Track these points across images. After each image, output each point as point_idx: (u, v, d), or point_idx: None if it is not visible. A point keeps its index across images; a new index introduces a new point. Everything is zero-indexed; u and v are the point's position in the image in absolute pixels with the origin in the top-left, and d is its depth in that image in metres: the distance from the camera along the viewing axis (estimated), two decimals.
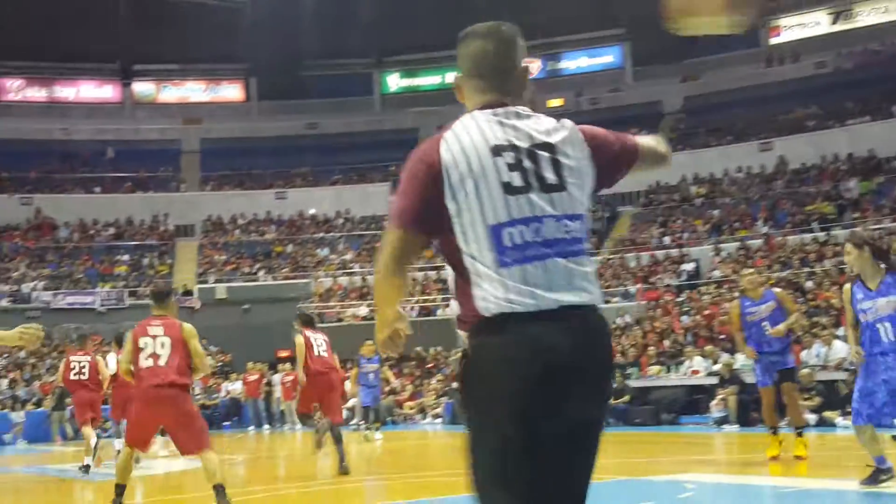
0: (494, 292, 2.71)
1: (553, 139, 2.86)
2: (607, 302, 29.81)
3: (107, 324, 34.33)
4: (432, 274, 34.64)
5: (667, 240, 33.45)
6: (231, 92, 48.96)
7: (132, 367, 8.30)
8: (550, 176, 2.80)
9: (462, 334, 2.83)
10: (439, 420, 24.50)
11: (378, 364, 19.82)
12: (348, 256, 37.58)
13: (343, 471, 12.23)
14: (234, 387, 28.40)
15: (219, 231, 40.55)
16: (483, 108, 2.90)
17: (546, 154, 2.82)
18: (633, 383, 20.98)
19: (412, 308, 32.42)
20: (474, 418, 2.77)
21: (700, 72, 44.44)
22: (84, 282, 35.97)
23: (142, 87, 48.31)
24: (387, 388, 22.83)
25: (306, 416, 14.07)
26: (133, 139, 44.99)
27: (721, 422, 17.74)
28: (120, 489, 8.53)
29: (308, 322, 13.34)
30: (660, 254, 32.18)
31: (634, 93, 45.04)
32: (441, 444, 19.89)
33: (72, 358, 14.53)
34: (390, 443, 19.26)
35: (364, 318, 32.10)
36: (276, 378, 27.30)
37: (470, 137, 2.80)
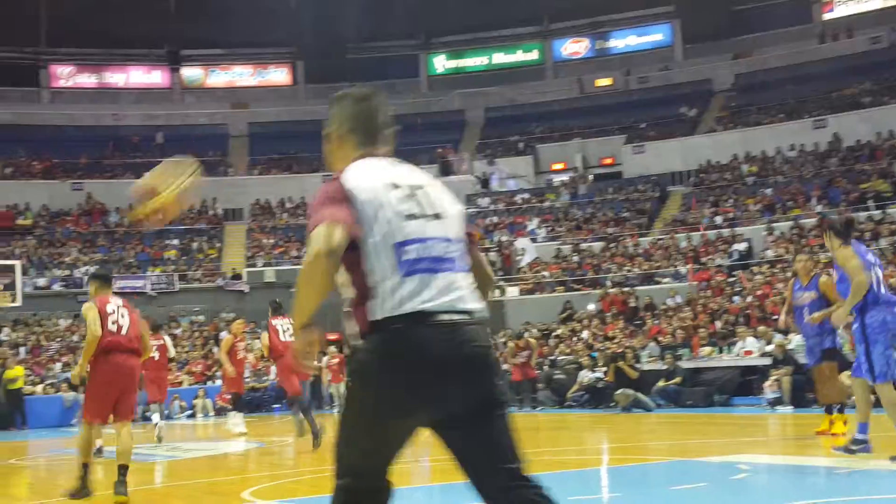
0: (390, 300, 3.26)
1: (424, 181, 3.53)
2: (657, 283, 29.44)
3: (157, 307, 34.58)
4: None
5: (718, 219, 32.92)
6: (278, 76, 49.06)
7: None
8: (429, 206, 3.44)
9: (353, 331, 3.38)
10: None
11: None
12: None
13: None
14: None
15: (267, 214, 40.67)
16: (368, 157, 3.53)
17: (424, 191, 3.47)
18: (684, 364, 20.65)
19: None
20: (358, 405, 3.36)
21: (752, 49, 43.66)
22: (135, 266, 36.27)
23: (190, 73, 48.57)
24: None
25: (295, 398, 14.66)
26: (181, 124, 45.22)
27: (775, 403, 17.39)
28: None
29: (276, 310, 14.89)
30: (711, 234, 31.67)
31: (684, 71, 44.39)
32: None
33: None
34: None
35: None
36: (325, 360, 27.29)
37: (368, 176, 3.40)
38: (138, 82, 48.01)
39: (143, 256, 36.98)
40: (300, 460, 13.68)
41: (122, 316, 8.68)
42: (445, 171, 41.77)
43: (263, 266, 36.37)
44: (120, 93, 47.37)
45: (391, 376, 3.22)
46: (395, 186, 3.41)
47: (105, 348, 8.51)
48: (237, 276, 35.95)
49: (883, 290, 8.71)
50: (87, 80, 47.55)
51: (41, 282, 34.40)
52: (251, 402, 27.97)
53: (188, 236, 38.67)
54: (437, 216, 3.44)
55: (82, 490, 8.49)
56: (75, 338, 31.32)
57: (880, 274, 8.86)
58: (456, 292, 3.32)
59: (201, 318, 34.43)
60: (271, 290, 35.14)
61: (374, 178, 3.40)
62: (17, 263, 29.21)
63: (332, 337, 30.82)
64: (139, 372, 8.96)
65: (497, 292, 31.64)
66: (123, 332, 8.63)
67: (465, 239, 3.55)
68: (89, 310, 8.66)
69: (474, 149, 43.38)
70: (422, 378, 3.21)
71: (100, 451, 13.27)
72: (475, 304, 3.38)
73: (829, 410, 11.20)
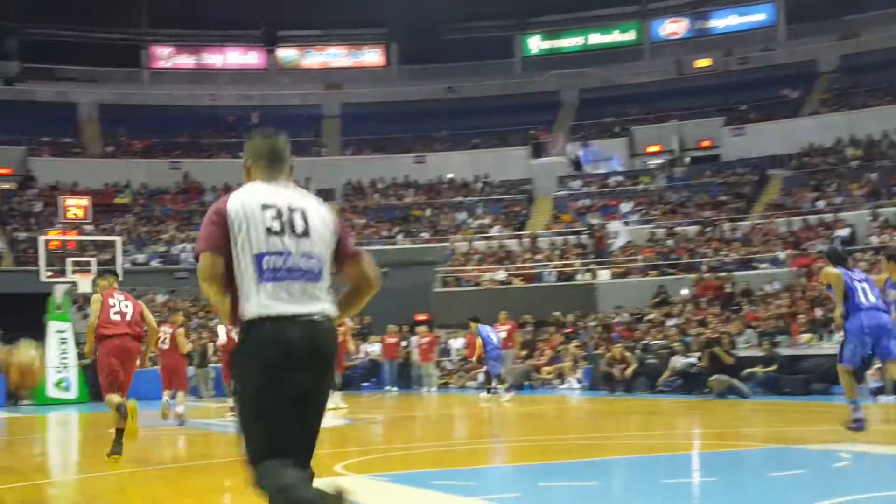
0: (254, 302, 3.98)
1: (305, 205, 4.18)
2: (755, 268, 28.61)
3: None
4: (572, 239, 33.96)
5: (820, 204, 31.83)
6: (372, 57, 49.10)
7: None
8: (299, 227, 4.11)
9: (235, 329, 4.14)
10: (578, 385, 23.96)
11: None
12: (486, 220, 37.22)
13: None
14: (373, 348, 28.50)
15: (358, 195, 40.79)
16: (263, 181, 4.25)
17: (299, 213, 4.13)
18: (782, 351, 19.96)
19: (550, 273, 31.90)
20: (240, 383, 4.07)
21: (859, 29, 42.06)
22: None
23: (285, 53, 48.95)
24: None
25: None
26: (276, 104, 45.63)
27: (877, 392, 16.68)
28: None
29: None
30: (812, 219, 30.64)
31: (787, 52, 42.98)
32: (579, 409, 19.39)
33: None
34: (530, 407, 18.88)
35: (501, 283, 31.73)
36: (414, 340, 27.26)
37: (248, 197, 4.12)
38: (235, 63, 48.58)
39: None
40: (389, 436, 13.73)
41: (126, 306, 10.22)
42: (538, 152, 41.35)
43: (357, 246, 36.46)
44: (217, 73, 48.01)
45: (258, 363, 3.97)
46: (267, 207, 4.11)
47: (108, 333, 10.08)
48: None
49: None
50: (186, 61, 48.31)
51: (140, 258, 35.09)
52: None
53: None
54: (304, 234, 4.12)
55: (115, 449, 10.10)
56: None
57: None
58: (308, 299, 4.04)
59: None
60: None
61: (250, 198, 4.13)
62: (118, 240, 29.75)
63: (421, 318, 30.86)
64: (137, 352, 10.34)
65: (588, 275, 31.21)
66: (127, 318, 10.17)
67: (344, 257, 4.25)
68: (95, 301, 10.30)
69: (568, 130, 42.80)
70: (279, 364, 3.95)
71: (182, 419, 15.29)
72: (324, 308, 4.09)
73: None
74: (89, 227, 31.86)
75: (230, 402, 16.76)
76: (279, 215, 4.10)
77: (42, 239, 27.22)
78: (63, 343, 26.14)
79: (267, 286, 3.99)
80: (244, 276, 4.01)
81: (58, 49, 45.71)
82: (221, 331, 18.45)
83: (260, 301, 3.97)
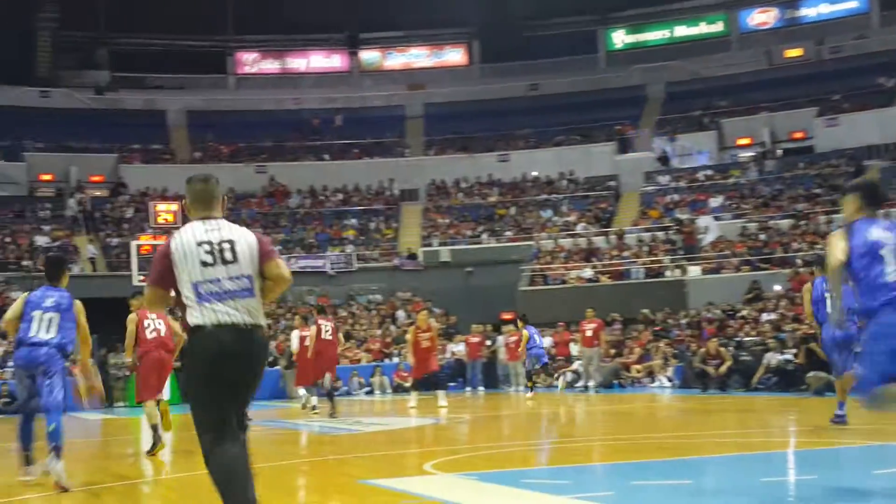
0: (197, 315, 5.20)
1: (232, 236, 5.34)
2: None
3: (336, 286, 35.18)
4: (660, 234, 33.33)
5: None
6: (454, 56, 48.99)
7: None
8: (228, 255, 5.28)
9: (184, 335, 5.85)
10: (669, 384, 23.43)
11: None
12: (572, 218, 36.77)
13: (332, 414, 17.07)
14: (458, 348, 28.34)
15: (442, 195, 40.67)
16: (199, 220, 5.41)
17: (228, 244, 5.30)
18: None
19: (638, 270, 31.33)
20: (188, 373, 5.39)
21: None
22: (315, 246, 36.95)
23: (368, 55, 49.12)
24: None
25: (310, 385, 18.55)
26: (359, 106, 45.84)
27: None
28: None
29: (321, 311, 19.47)
30: None
31: (882, 39, 41.55)
32: (671, 407, 18.92)
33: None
34: (619, 405, 18.50)
35: (588, 280, 31.27)
36: (500, 339, 27.01)
37: (187, 236, 5.31)
38: (318, 67, 48.94)
39: (322, 237, 37.64)
40: (477, 435, 13.60)
41: (159, 324, 11.88)
42: (623, 148, 40.74)
43: (439, 246, 36.38)
44: (301, 77, 48.42)
45: (199, 358, 5.25)
46: (201, 244, 5.30)
47: (147, 348, 11.76)
48: (413, 256, 36.09)
49: None
50: (271, 65, 48.85)
51: None
52: (427, 382, 27.95)
53: (366, 217, 39.12)
54: (233, 261, 5.30)
55: (157, 442, 11.54)
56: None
57: None
58: (235, 311, 5.22)
59: (378, 297, 34.74)
60: (447, 269, 35.17)
61: (188, 238, 5.32)
62: None
63: (507, 316, 30.56)
64: (171, 362, 12.22)
65: (677, 271, 30.57)
66: (161, 334, 11.85)
67: (263, 262, 5.38)
68: (130, 322, 11.80)
69: (654, 125, 42.08)
70: (215, 360, 5.18)
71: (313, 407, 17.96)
72: (250, 318, 5.24)
73: None
74: None
75: (308, 401, 18.43)
76: (211, 250, 5.29)
77: (134, 244, 27.71)
78: None
79: (204, 304, 5.22)
80: (188, 297, 5.24)
81: (146, 58, 46.66)
82: (295, 336, 19.44)
83: (200, 315, 5.22)
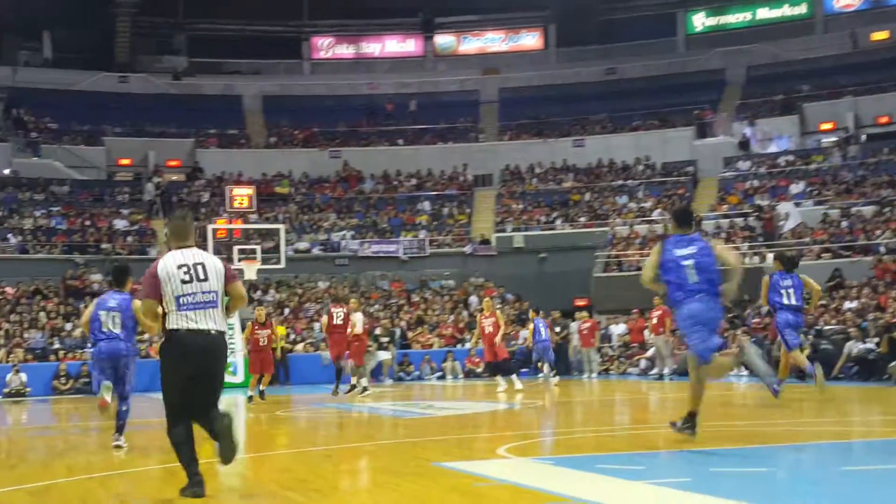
0: (174, 321, 6.89)
1: (203, 260, 7.05)
2: None
3: (409, 271, 35.20)
4: (739, 221, 32.67)
5: None
6: (529, 40, 48.57)
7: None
8: (201, 275, 6.97)
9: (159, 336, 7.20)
10: (745, 372, 22.91)
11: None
12: (647, 204, 36.25)
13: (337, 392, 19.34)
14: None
15: (516, 180, 40.40)
16: (177, 249, 7.10)
17: (200, 266, 6.99)
18: None
19: None
20: (161, 368, 7.03)
21: None
22: (388, 231, 36.98)
23: (443, 40, 48.97)
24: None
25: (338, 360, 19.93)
26: (434, 91, 45.75)
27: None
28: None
29: (335, 299, 22.35)
30: None
31: None
32: (747, 396, 18.50)
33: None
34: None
35: None
36: (574, 326, 26.71)
37: (169, 262, 6.99)
38: (393, 51, 48.94)
39: (395, 222, 37.66)
40: (549, 421, 13.50)
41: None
42: (702, 133, 40.01)
43: (512, 231, 36.14)
44: (375, 62, 48.50)
45: (170, 356, 6.95)
46: (181, 266, 6.97)
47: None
48: (486, 242, 35.91)
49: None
50: (345, 50, 48.98)
51: (301, 245, 35.72)
52: (500, 366, 27.78)
53: (439, 202, 39.03)
54: (204, 279, 6.97)
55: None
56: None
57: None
58: (205, 319, 6.89)
59: (451, 282, 34.67)
60: (520, 255, 34.95)
61: (171, 263, 6.99)
62: (281, 228, 30.35)
63: (581, 303, 30.28)
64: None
65: (755, 258, 29.94)
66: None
67: (227, 283, 7.09)
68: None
69: (734, 109, 41.26)
70: (183, 356, 6.86)
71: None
72: (215, 325, 6.94)
73: None
74: (253, 216, 32.64)
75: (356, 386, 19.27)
76: (188, 270, 6.98)
77: (210, 228, 27.95)
78: (230, 329, 26.79)
79: (181, 312, 6.91)
80: (170, 307, 6.93)
81: (223, 43, 47.17)
82: (359, 320, 19.64)
83: (176, 321, 6.91)
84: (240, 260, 26.69)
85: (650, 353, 25.26)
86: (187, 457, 6.92)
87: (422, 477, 7.81)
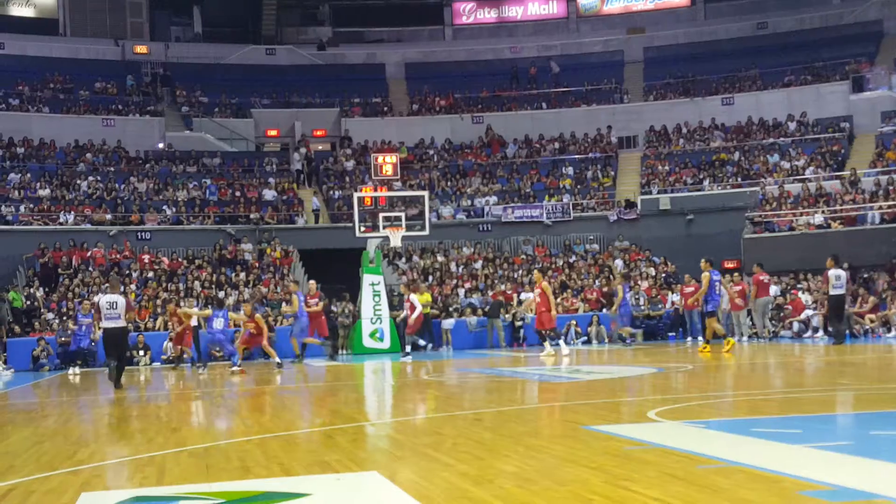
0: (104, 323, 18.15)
1: (117, 299, 17.59)
2: None
3: (553, 235, 34.97)
4: None
5: None
6: None
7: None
8: (115, 304, 17.56)
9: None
10: None
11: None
12: (800, 162, 34.94)
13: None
14: (676, 297, 27.59)
15: (662, 141, 39.55)
16: (109, 294, 18.04)
17: (115, 301, 17.58)
18: None
19: (874, 215, 29.45)
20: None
21: None
22: (531, 196, 36.78)
23: (586, 0, 48.17)
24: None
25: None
26: (577, 53, 45.14)
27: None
28: None
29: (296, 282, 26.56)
30: None
31: None
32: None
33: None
34: (851, 356, 17.46)
35: (818, 227, 29.69)
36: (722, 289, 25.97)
37: (102, 300, 17.98)
38: (535, 14, 48.44)
39: (539, 186, 37.43)
40: (701, 385, 13.23)
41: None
42: (859, 87, 38.24)
43: (658, 194, 35.43)
44: (517, 25, 48.13)
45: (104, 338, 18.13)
46: (108, 302, 17.42)
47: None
48: (631, 205, 35.33)
49: None
50: (487, 15, 48.76)
51: (445, 212, 35.90)
52: (647, 330, 27.45)
53: (583, 165, 38.57)
54: (115, 307, 17.34)
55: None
56: (477, 265, 32.41)
57: None
58: (115, 321, 17.40)
59: (595, 246, 34.30)
60: (665, 217, 34.28)
61: (103, 300, 17.68)
62: (426, 194, 30.53)
63: (730, 265, 29.50)
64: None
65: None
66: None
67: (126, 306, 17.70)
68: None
69: (892, 62, 39.25)
70: (105, 339, 17.84)
71: None
72: (119, 324, 17.47)
73: None
74: (398, 184, 32.98)
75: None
76: (108, 304, 17.23)
77: (356, 196, 28.36)
78: (377, 295, 27.23)
79: (105, 322, 17.44)
80: (103, 318, 17.51)
81: (366, 12, 47.67)
82: (416, 301, 22.98)
83: (103, 324, 17.57)
84: (385, 227, 27.03)
85: (804, 315, 24.44)
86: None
87: (573, 440, 7.74)
